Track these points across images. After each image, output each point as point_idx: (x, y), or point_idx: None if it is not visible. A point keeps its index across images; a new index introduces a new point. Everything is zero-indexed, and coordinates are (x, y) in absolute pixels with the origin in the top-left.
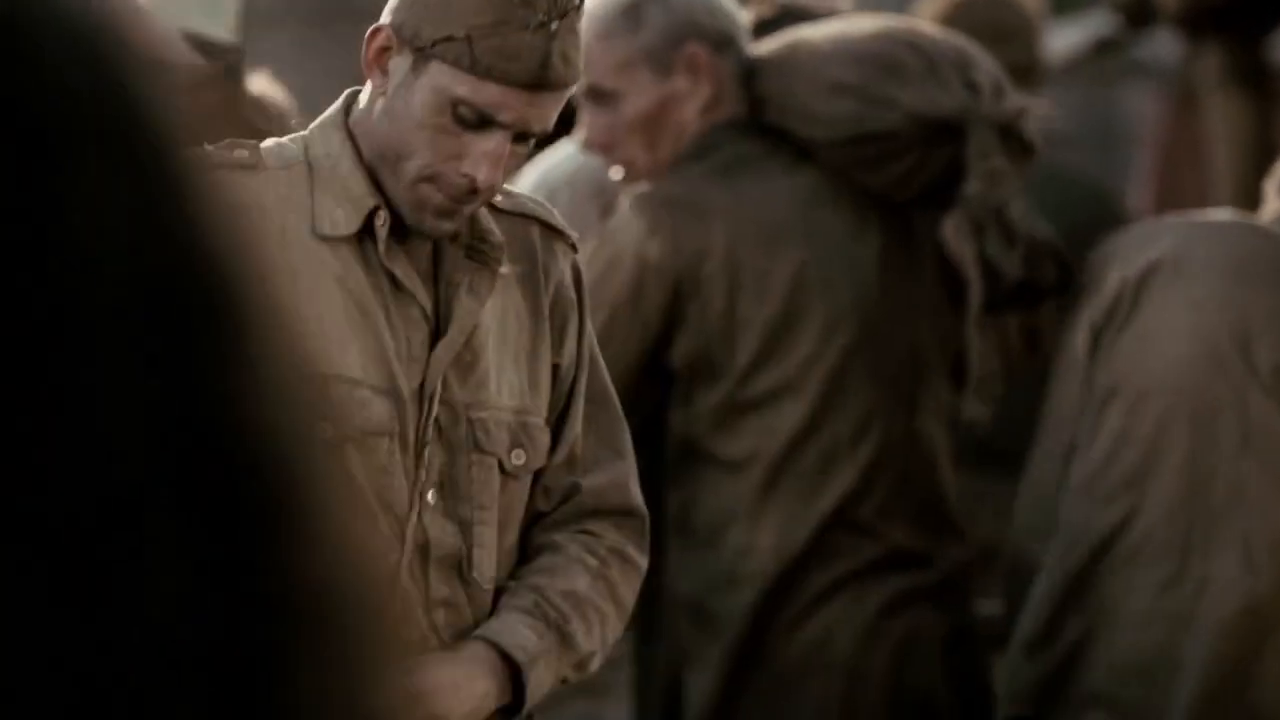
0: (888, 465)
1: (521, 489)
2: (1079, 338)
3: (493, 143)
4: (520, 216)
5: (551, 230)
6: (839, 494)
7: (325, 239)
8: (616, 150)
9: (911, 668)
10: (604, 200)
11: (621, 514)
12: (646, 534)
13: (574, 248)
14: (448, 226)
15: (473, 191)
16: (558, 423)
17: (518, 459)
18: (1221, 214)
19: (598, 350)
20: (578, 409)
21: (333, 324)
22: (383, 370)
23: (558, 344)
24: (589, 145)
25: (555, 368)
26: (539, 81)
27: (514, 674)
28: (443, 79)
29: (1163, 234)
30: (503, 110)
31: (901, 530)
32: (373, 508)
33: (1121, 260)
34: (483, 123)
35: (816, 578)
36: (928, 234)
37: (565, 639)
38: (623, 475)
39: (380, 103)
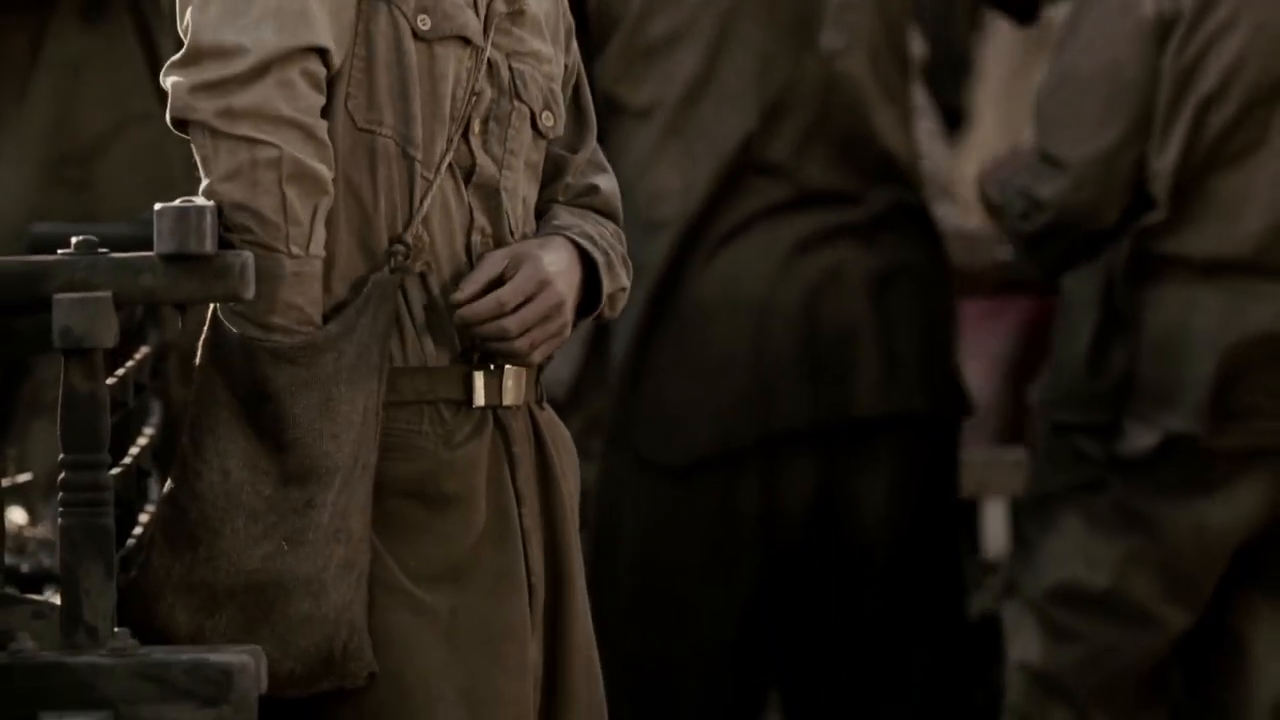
0: (796, 106)
1: (543, 152)
2: None
3: None
4: None
5: None
6: (741, 136)
7: None
8: None
9: (829, 304)
10: None
11: (617, 224)
12: None
13: None
14: None
15: None
16: (576, 123)
17: (548, 120)
18: None
19: None
20: (590, 113)
21: None
22: None
23: (569, 38)
24: None
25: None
26: None
27: (586, 274)
28: None
29: None
30: None
31: (819, 170)
32: (444, 117)
33: None
34: None
35: (725, 219)
36: None
37: (610, 264)
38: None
39: None
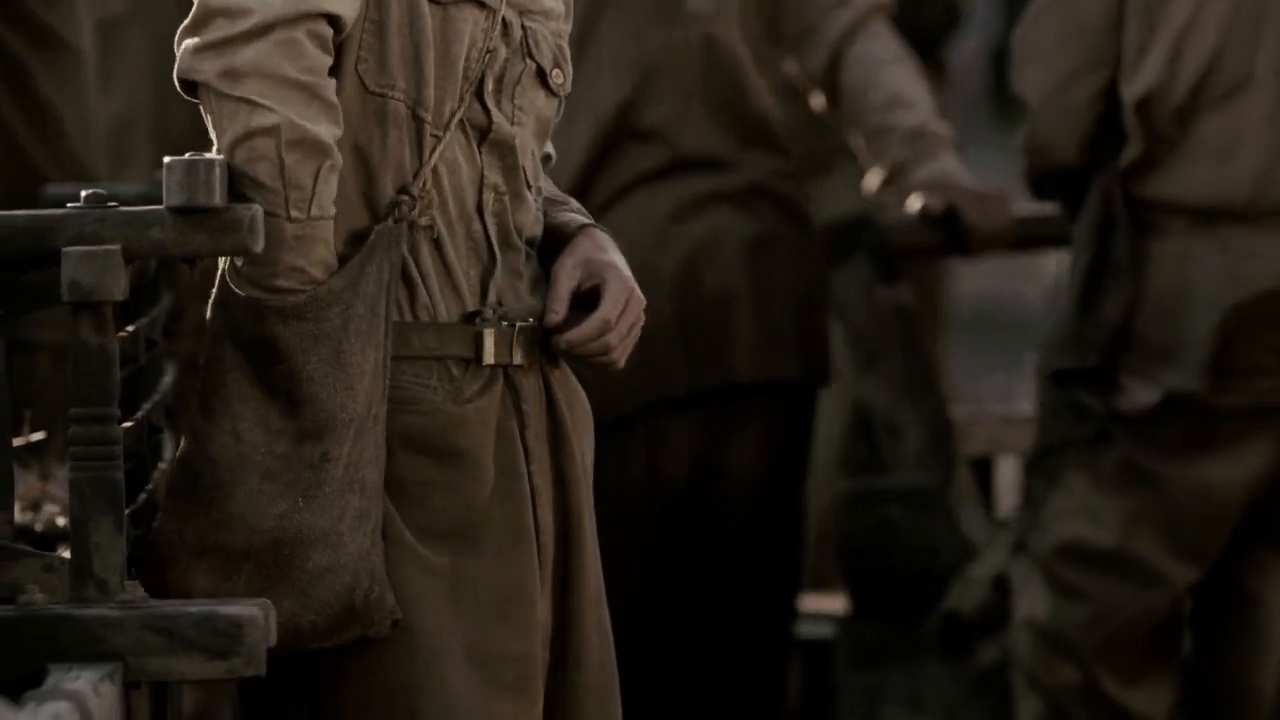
0: (671, 72)
1: (555, 108)
2: None
3: None
4: None
5: None
6: (617, 103)
7: None
8: None
9: (707, 272)
10: None
11: None
12: None
13: None
14: None
15: None
16: None
17: (558, 78)
18: None
19: None
20: None
21: None
22: None
23: None
24: None
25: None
26: None
27: None
28: None
29: None
30: None
31: (695, 136)
32: (457, 78)
33: None
34: None
35: (602, 187)
36: None
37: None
38: None
39: None
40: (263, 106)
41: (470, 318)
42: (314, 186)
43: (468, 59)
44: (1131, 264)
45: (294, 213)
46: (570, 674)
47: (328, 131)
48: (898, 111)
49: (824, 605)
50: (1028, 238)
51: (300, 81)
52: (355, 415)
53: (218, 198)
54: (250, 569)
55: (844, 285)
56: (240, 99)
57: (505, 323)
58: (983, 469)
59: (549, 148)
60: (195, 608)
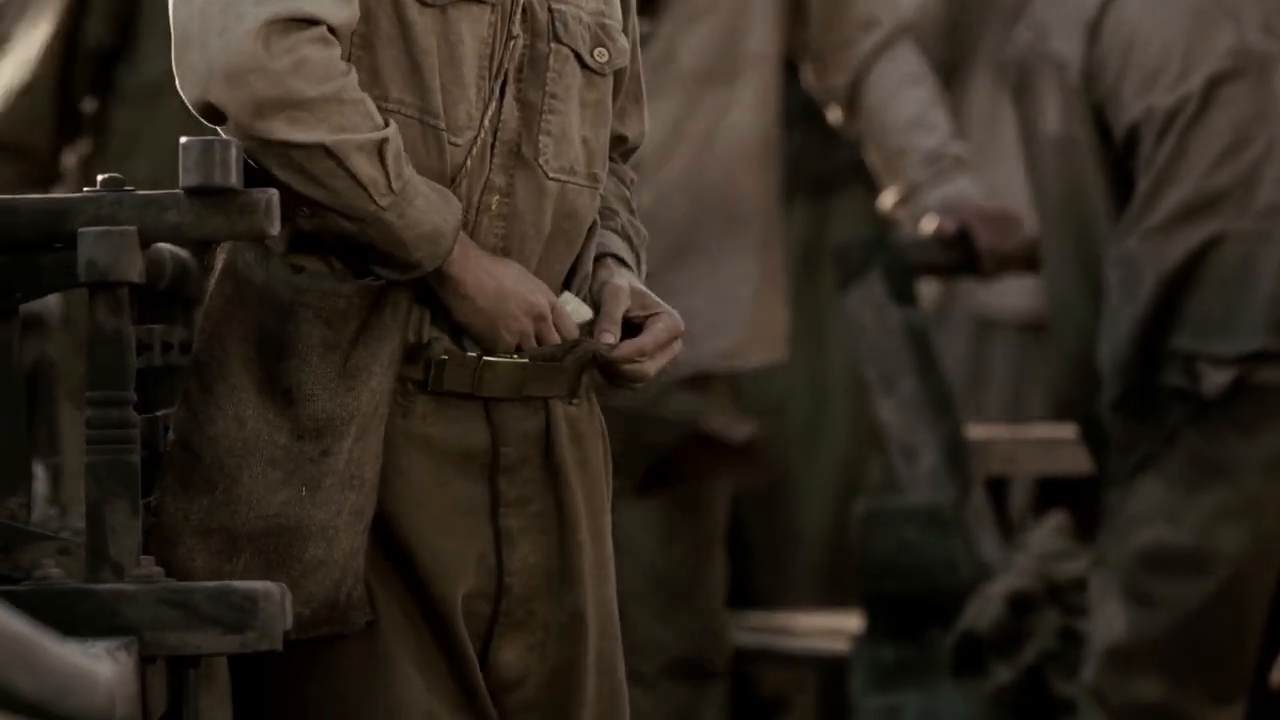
0: None
1: (607, 87)
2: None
3: None
4: None
5: None
6: None
7: None
8: None
9: None
10: None
11: (632, 179)
12: None
13: None
14: None
15: None
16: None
17: (600, 56)
18: None
19: None
20: (636, 52)
21: None
22: None
23: None
24: None
25: None
26: None
27: None
28: None
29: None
30: None
31: None
32: (468, 81)
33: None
34: None
35: None
36: None
37: (639, 262)
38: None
39: None
40: (303, 137)
41: (429, 343)
42: (384, 168)
43: (479, 57)
44: (1188, 270)
45: (381, 200)
46: (571, 713)
47: (370, 120)
48: (917, 133)
49: (839, 624)
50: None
51: (326, 95)
52: (357, 413)
53: (234, 178)
54: (251, 553)
55: (858, 305)
56: (279, 141)
57: (472, 354)
58: (998, 489)
59: (629, 125)
60: (211, 582)
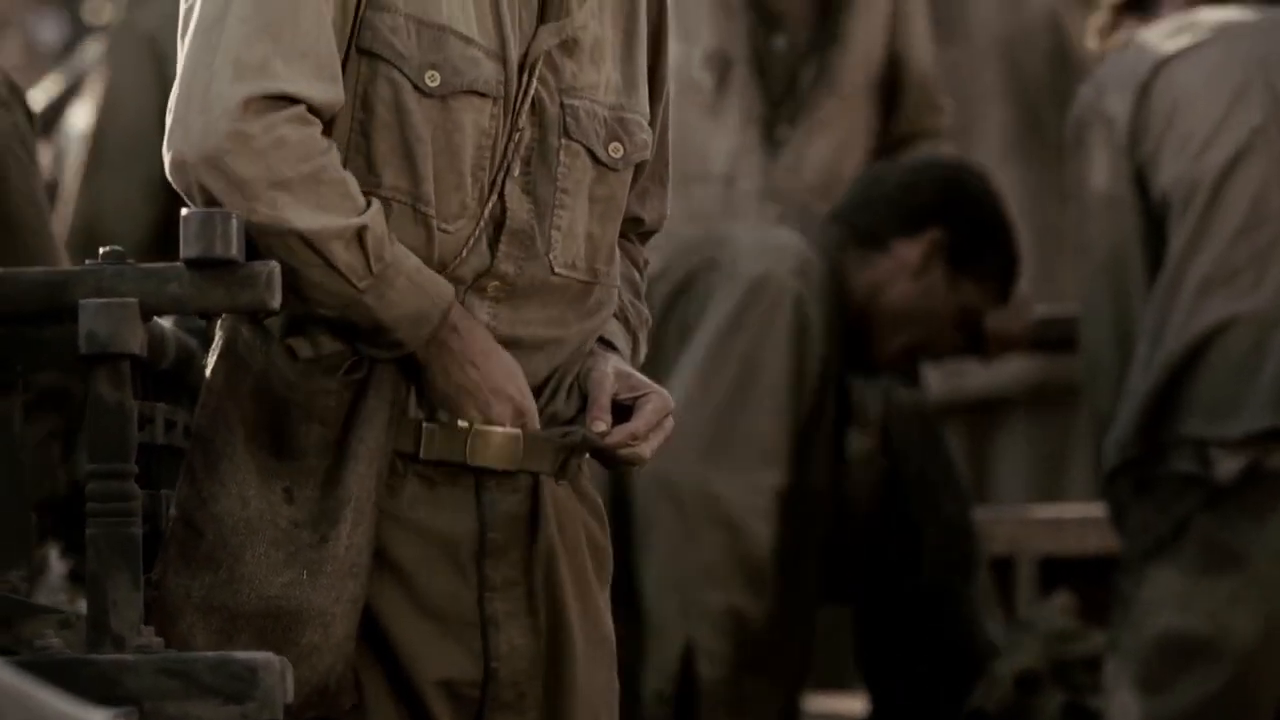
0: None
1: (622, 183)
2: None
3: None
4: None
5: None
6: None
7: None
8: None
9: None
10: None
11: (645, 264)
12: None
13: None
14: None
15: None
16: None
17: (615, 151)
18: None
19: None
20: (666, 136)
21: None
22: (495, 35)
23: (653, 53)
24: None
25: (652, 71)
26: None
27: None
28: None
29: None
30: None
31: None
32: (464, 171)
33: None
34: None
35: None
36: None
37: (636, 344)
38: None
39: None
40: (282, 231)
41: (429, 414)
42: (364, 251)
43: (477, 148)
44: (1196, 353)
45: (360, 284)
46: None
47: (351, 203)
48: None
49: (845, 707)
50: (1045, 339)
51: (304, 175)
52: (352, 497)
53: (235, 250)
54: (250, 633)
55: (862, 388)
56: (257, 224)
57: (463, 423)
58: (1003, 569)
59: (647, 207)
60: (211, 653)
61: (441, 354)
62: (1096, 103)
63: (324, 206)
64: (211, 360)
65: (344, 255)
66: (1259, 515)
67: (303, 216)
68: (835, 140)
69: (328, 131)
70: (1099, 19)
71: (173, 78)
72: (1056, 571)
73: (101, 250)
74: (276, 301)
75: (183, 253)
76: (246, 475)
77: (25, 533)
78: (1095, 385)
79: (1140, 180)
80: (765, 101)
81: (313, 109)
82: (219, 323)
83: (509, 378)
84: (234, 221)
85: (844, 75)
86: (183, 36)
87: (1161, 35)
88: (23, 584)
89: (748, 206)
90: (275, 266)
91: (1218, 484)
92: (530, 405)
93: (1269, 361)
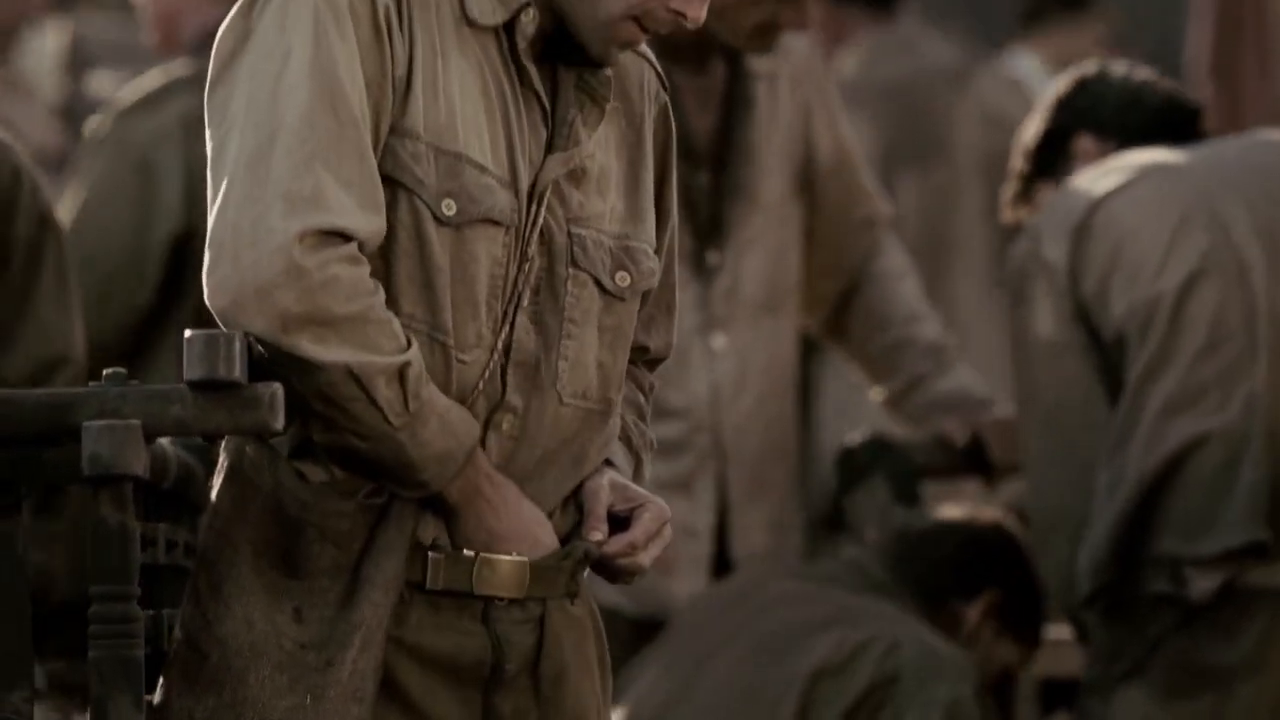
0: None
1: (629, 311)
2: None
3: None
4: (638, 54)
5: (659, 74)
6: None
7: (473, 25)
8: None
9: None
10: None
11: (652, 388)
12: None
13: (666, 90)
14: (619, 55)
15: (677, 26)
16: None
17: (622, 280)
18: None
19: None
20: (672, 264)
21: (470, 107)
22: (507, 163)
23: (659, 181)
24: None
25: (658, 200)
26: None
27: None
28: None
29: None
30: None
31: None
32: (479, 300)
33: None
34: None
35: None
36: None
37: (639, 464)
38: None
39: None
40: (326, 365)
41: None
42: (403, 389)
43: (491, 277)
44: (1165, 477)
45: (395, 421)
46: None
47: (395, 343)
48: (916, 325)
49: None
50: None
51: (353, 314)
52: (361, 624)
53: (238, 372)
54: None
55: (859, 507)
56: (303, 359)
57: (468, 552)
58: (1002, 690)
59: (654, 335)
60: None
61: (476, 501)
62: (1035, 252)
63: (369, 345)
64: (217, 481)
65: (385, 391)
66: (1230, 633)
67: (349, 352)
68: (766, 252)
69: None
70: (1010, 189)
71: (161, 192)
72: (1057, 693)
73: (106, 371)
74: (279, 423)
75: (186, 374)
76: (252, 597)
77: (27, 654)
78: (1054, 531)
79: (1085, 319)
80: (692, 235)
81: (360, 242)
82: (223, 444)
83: (539, 522)
84: (237, 343)
85: (758, 185)
86: (215, 167)
87: (1090, 179)
88: (25, 705)
89: (690, 343)
90: (278, 388)
91: (1191, 603)
92: (556, 543)
93: (1242, 477)
